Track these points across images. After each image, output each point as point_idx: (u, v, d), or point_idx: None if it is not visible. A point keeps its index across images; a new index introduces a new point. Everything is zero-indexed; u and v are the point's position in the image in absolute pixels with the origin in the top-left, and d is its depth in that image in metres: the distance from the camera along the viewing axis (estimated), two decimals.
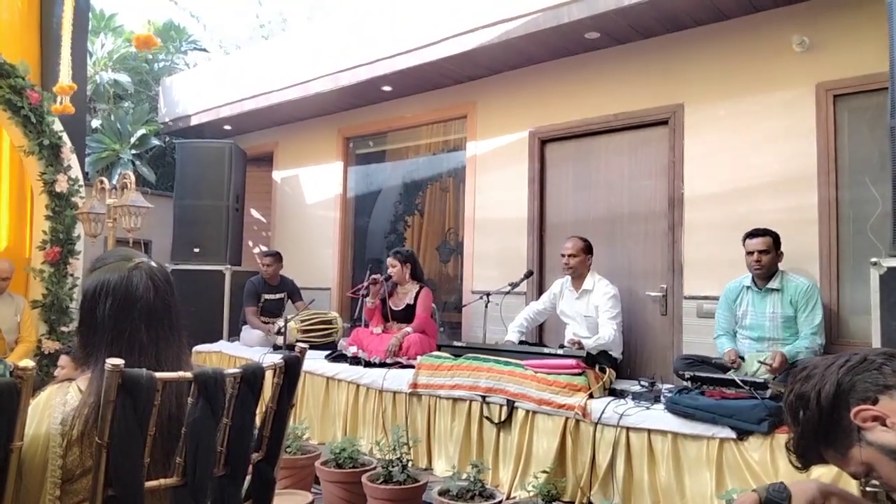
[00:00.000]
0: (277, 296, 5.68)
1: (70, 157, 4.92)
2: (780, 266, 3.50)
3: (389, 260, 4.63)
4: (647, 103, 4.41)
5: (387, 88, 5.65)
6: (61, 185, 4.82)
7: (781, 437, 2.59)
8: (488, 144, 5.33)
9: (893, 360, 1.02)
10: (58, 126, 4.83)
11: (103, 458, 1.14)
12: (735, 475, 2.71)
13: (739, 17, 4.03)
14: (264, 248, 7.55)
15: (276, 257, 5.67)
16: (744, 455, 2.70)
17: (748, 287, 3.53)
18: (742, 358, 3.41)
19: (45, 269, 4.81)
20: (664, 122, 4.36)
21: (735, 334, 3.58)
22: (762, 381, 2.88)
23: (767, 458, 2.63)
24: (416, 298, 4.54)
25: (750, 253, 3.46)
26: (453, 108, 5.59)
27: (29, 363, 1.13)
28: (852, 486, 1.91)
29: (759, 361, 3.20)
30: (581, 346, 3.72)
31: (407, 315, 4.53)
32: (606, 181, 4.66)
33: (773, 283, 3.45)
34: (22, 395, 1.13)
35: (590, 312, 4.03)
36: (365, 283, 4.56)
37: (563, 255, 4.11)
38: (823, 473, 2.26)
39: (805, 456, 1.10)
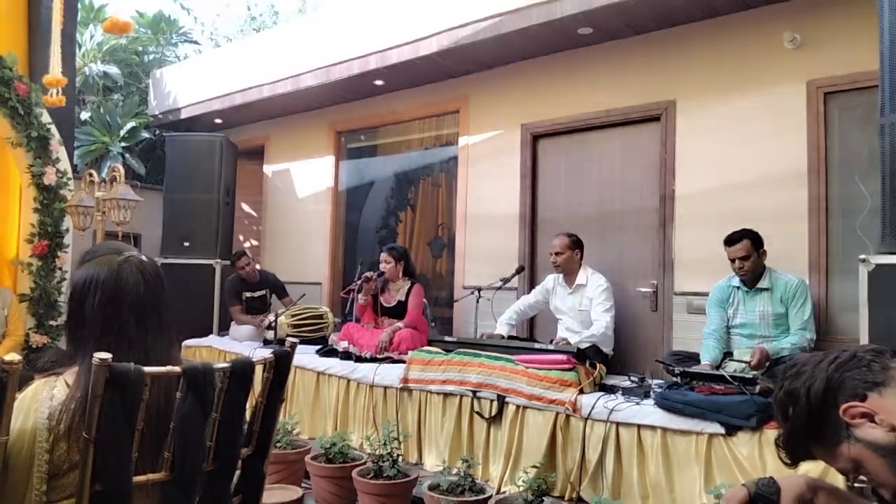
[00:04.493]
0: (259, 293, 5.60)
1: (58, 149, 4.86)
2: (767, 263, 3.49)
3: (383, 256, 4.61)
4: (639, 99, 4.41)
5: (379, 82, 5.63)
6: (49, 178, 4.76)
7: (770, 433, 2.60)
8: (480, 139, 5.33)
9: (882, 357, 1.03)
10: (46, 118, 4.77)
11: (90, 452, 1.13)
12: (723, 470, 2.73)
13: (732, 13, 4.04)
14: (255, 243, 7.51)
15: (247, 255, 5.54)
16: (732, 450, 2.72)
17: (737, 287, 3.53)
18: (730, 354, 3.43)
19: (33, 262, 4.77)
20: (656, 119, 4.36)
21: (727, 333, 3.54)
22: (751, 376, 2.90)
23: (756, 453, 2.65)
24: (407, 295, 4.53)
25: (732, 260, 3.44)
26: (445, 103, 5.58)
27: (15, 357, 1.11)
28: (839, 482, 1.93)
29: (738, 360, 3.22)
30: (568, 344, 3.73)
31: (399, 311, 4.53)
32: (598, 177, 4.66)
33: (763, 283, 3.44)
34: (8, 389, 1.11)
35: (584, 307, 4.04)
36: (357, 282, 4.55)
37: (551, 254, 4.12)
38: (811, 469, 2.28)
39: (794, 452, 1.10)
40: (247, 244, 7.79)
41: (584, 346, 3.71)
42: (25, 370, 1.13)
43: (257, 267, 5.70)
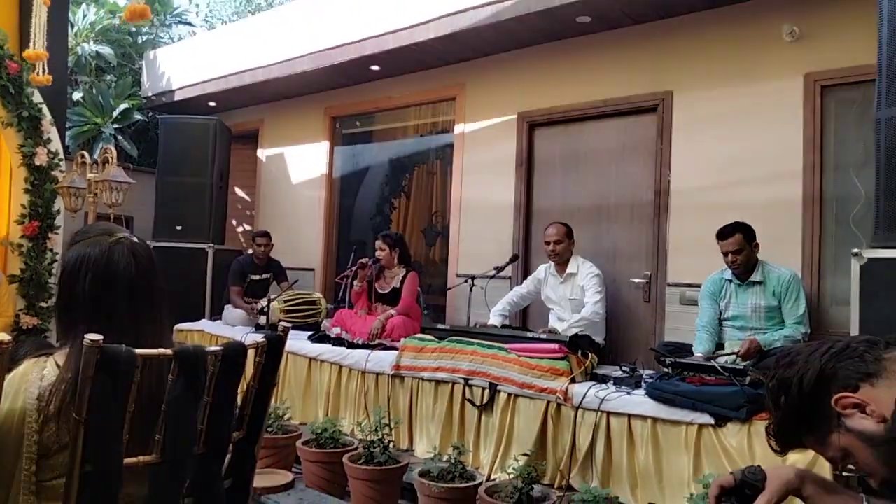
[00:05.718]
0: (263, 276, 5.63)
1: (50, 129, 4.80)
2: (760, 256, 3.49)
3: (378, 243, 4.61)
4: (637, 90, 4.40)
5: (375, 68, 5.59)
6: (41, 159, 4.71)
7: (759, 424, 2.62)
8: (476, 127, 5.30)
9: (875, 348, 1.03)
10: (38, 98, 4.71)
11: (81, 434, 1.13)
12: (713, 461, 2.75)
13: (731, 5, 4.03)
14: (248, 228, 7.49)
15: (270, 237, 5.65)
16: (722, 441, 2.74)
17: (730, 280, 3.53)
18: (722, 346, 3.45)
19: (24, 243, 4.73)
20: (653, 109, 4.35)
21: (719, 325, 3.55)
22: (742, 367, 2.92)
23: (745, 444, 2.67)
24: (402, 282, 4.53)
25: (725, 254, 3.44)
26: (442, 90, 5.55)
27: (4, 337, 1.10)
28: (826, 471, 1.95)
29: (727, 353, 3.25)
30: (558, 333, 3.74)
31: (393, 298, 4.53)
32: (594, 167, 4.66)
33: (755, 276, 3.44)
34: None
35: (575, 295, 4.05)
36: (353, 268, 4.54)
37: (547, 243, 4.11)
38: (799, 459, 2.30)
39: (784, 440, 1.11)
40: (240, 229, 7.76)
41: (574, 330, 3.72)
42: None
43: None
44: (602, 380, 3.30)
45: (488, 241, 5.11)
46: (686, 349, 3.51)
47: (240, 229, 7.77)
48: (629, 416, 3.00)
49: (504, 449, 3.35)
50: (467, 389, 3.55)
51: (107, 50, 7.95)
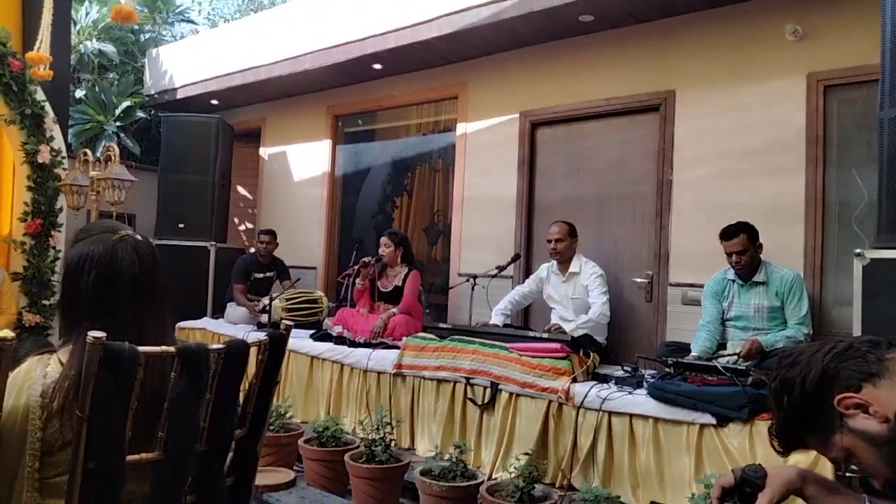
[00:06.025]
0: (267, 275, 5.65)
1: (53, 127, 4.81)
2: (762, 256, 3.49)
3: (383, 240, 4.62)
4: (639, 89, 4.40)
5: (377, 66, 5.59)
6: (43, 156, 4.71)
7: (761, 424, 2.62)
8: (479, 126, 5.30)
9: (878, 348, 1.03)
10: (40, 95, 4.72)
11: (84, 431, 1.13)
12: (714, 461, 2.74)
13: (733, 4, 4.02)
14: (250, 226, 7.50)
15: (274, 235, 5.66)
16: (723, 441, 2.73)
17: (733, 280, 3.52)
18: (725, 346, 3.44)
19: (27, 241, 4.74)
20: (655, 109, 4.35)
21: (721, 325, 3.54)
22: (743, 368, 2.91)
23: (746, 444, 2.66)
24: (404, 281, 4.54)
25: (728, 254, 3.43)
26: (444, 89, 5.55)
27: (8, 333, 1.10)
28: (828, 472, 1.94)
29: (728, 354, 3.24)
30: (563, 331, 3.74)
31: (395, 296, 4.53)
32: (596, 166, 4.65)
33: (758, 277, 3.43)
34: (0, 366, 1.10)
35: (577, 295, 4.05)
36: (355, 267, 4.54)
37: (549, 241, 4.12)
38: (801, 460, 2.30)
39: (787, 441, 1.11)
40: (242, 227, 7.77)
41: (581, 331, 3.72)
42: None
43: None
44: (604, 379, 3.30)
45: (490, 241, 5.11)
46: (687, 349, 3.50)
47: (242, 227, 7.78)
48: (631, 415, 3.00)
49: (505, 448, 3.34)
50: (469, 388, 3.55)
51: (109, 48, 7.95)
